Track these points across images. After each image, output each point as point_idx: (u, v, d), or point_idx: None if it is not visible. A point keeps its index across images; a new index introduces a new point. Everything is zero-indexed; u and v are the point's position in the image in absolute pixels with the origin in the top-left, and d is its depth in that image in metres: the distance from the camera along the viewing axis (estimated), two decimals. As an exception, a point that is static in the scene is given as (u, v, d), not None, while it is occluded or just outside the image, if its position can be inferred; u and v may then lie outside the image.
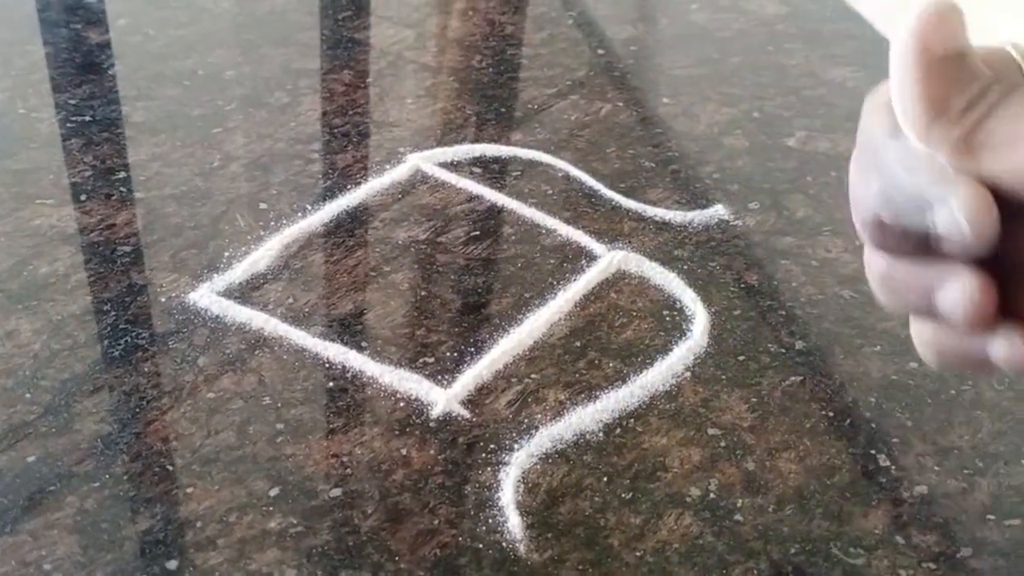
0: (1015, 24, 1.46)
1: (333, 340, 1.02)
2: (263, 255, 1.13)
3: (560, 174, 1.34)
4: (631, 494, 0.88)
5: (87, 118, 1.36)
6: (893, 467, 0.93)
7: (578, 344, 1.05)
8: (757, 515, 0.87)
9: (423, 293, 1.10)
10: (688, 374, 1.02)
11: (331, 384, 0.97)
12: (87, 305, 1.04)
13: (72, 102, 1.40)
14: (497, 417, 0.95)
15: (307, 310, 1.06)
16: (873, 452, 0.95)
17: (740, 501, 0.88)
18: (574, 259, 1.17)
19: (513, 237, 1.21)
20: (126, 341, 1.00)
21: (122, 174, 1.26)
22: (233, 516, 0.83)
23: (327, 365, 0.99)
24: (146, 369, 0.96)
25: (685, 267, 1.17)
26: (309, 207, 1.22)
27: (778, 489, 0.90)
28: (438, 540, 0.83)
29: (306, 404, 0.94)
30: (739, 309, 1.11)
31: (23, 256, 1.10)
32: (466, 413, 0.95)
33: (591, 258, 1.18)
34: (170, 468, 0.87)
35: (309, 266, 1.12)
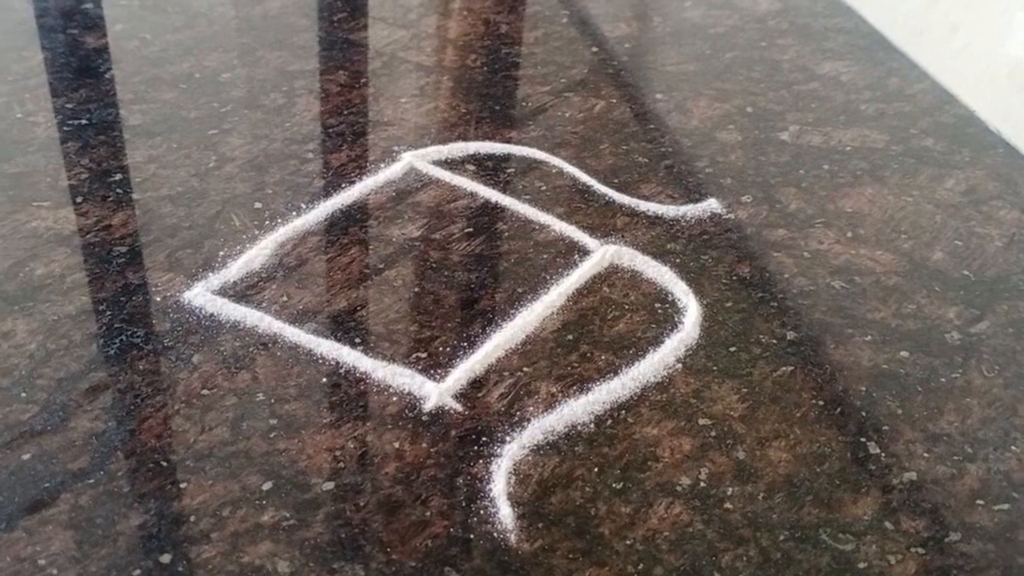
0: None
1: (327, 337, 1.02)
2: (258, 254, 1.14)
3: (554, 170, 1.35)
4: (622, 484, 0.89)
5: (84, 121, 1.37)
6: (883, 454, 0.94)
7: (570, 337, 1.05)
8: (747, 503, 0.87)
9: (417, 290, 1.11)
10: (679, 365, 1.02)
11: (324, 380, 0.98)
12: (83, 305, 1.05)
13: (69, 106, 1.41)
14: (489, 410, 0.95)
15: (301, 308, 1.06)
16: (863, 440, 0.95)
17: (730, 489, 0.89)
18: (567, 254, 1.18)
19: (507, 233, 1.22)
20: (121, 340, 1.01)
21: (118, 176, 1.27)
22: (227, 510, 0.84)
23: (320, 361, 1.00)
24: (141, 367, 0.97)
25: (678, 260, 1.17)
26: (304, 206, 1.23)
27: (768, 477, 0.90)
28: (430, 531, 0.83)
29: (299, 400, 0.95)
30: (731, 301, 1.12)
31: (20, 258, 1.11)
32: (458, 407, 0.96)
33: (584, 253, 1.18)
34: (164, 464, 0.88)
35: (303, 264, 1.13)
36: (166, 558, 0.80)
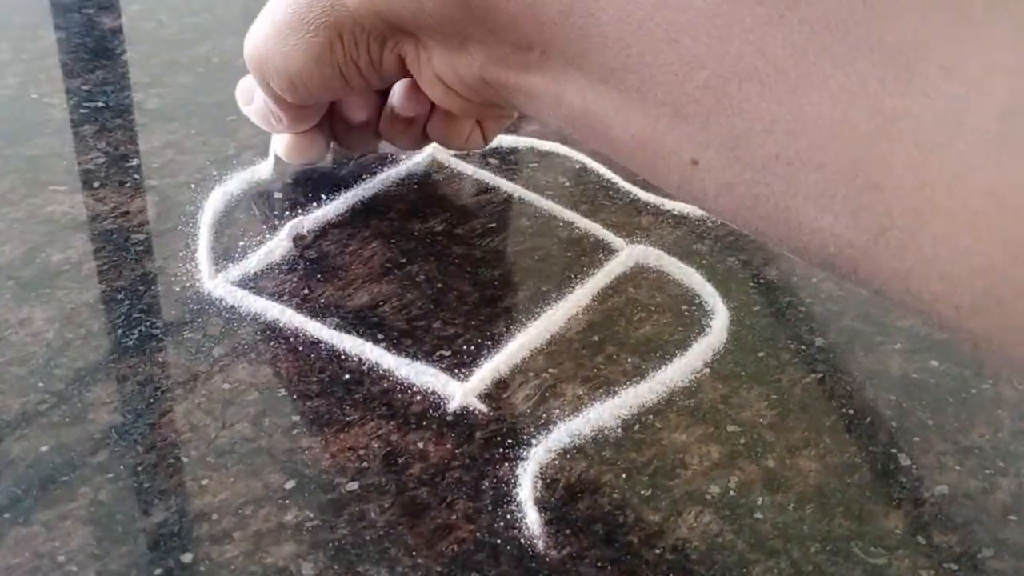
0: None
1: (349, 332, 1.01)
2: (278, 245, 1.12)
3: (578, 166, 1.33)
4: (650, 491, 0.87)
5: (100, 104, 1.35)
6: (914, 466, 0.92)
7: (596, 338, 1.04)
8: (777, 513, 0.86)
9: (439, 285, 1.09)
10: (707, 370, 1.01)
11: (347, 376, 0.96)
12: (100, 294, 1.03)
13: (85, 88, 1.39)
14: (515, 411, 0.94)
15: (323, 301, 1.05)
16: (894, 451, 0.94)
17: (760, 499, 0.87)
18: (592, 252, 1.16)
19: (530, 230, 1.20)
20: (140, 330, 0.99)
21: (135, 161, 1.25)
22: (249, 509, 0.82)
23: (343, 357, 0.98)
24: (160, 359, 0.96)
25: (704, 262, 1.16)
26: (325, 197, 1.21)
27: (798, 487, 0.89)
28: (455, 535, 0.82)
29: (322, 396, 0.93)
30: (758, 305, 1.10)
31: (36, 243, 1.09)
32: (483, 407, 0.94)
33: (609, 252, 1.16)
34: (185, 460, 0.86)
35: (324, 257, 1.11)
36: (188, 557, 0.78)
